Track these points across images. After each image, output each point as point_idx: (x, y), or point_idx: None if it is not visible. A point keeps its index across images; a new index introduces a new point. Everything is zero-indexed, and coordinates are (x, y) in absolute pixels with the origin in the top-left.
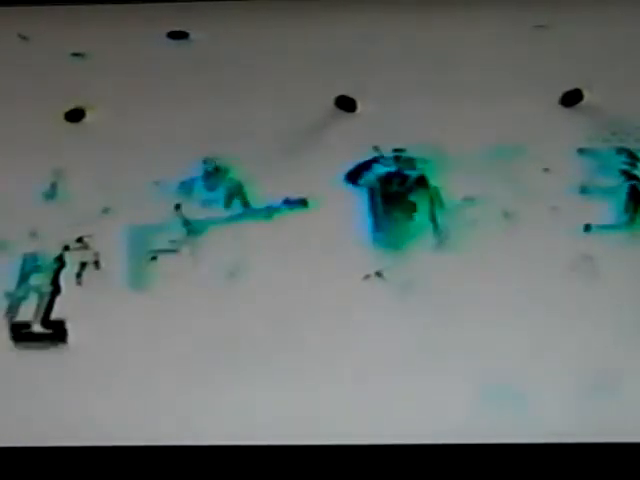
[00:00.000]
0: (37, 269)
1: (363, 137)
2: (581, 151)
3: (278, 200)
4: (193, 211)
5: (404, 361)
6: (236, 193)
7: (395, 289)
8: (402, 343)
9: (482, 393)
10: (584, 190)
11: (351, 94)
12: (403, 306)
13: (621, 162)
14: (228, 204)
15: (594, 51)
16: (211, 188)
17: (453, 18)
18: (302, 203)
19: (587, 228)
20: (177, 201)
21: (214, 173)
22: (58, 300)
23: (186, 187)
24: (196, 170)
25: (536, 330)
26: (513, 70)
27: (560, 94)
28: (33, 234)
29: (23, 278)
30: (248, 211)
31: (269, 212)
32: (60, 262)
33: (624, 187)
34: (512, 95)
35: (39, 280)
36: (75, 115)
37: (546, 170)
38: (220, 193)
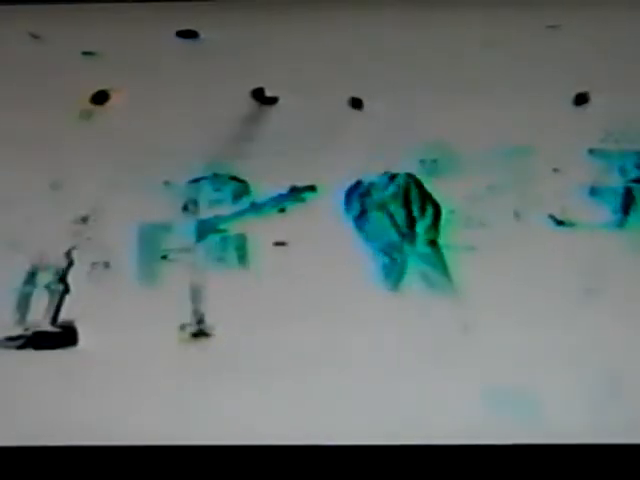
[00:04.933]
0: (46, 268)
1: (372, 136)
2: (592, 152)
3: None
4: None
5: (411, 362)
6: (244, 192)
7: (402, 290)
8: (410, 344)
9: (491, 395)
10: (594, 191)
11: (366, 93)
12: (410, 306)
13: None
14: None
15: (607, 51)
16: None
17: (465, 18)
18: (311, 189)
19: (596, 228)
20: (186, 200)
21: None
22: (68, 300)
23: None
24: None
25: (545, 331)
26: (525, 70)
27: (572, 94)
28: (42, 233)
29: (31, 276)
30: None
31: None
32: (69, 260)
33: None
34: (523, 95)
35: (48, 279)
36: (100, 98)
37: (556, 170)
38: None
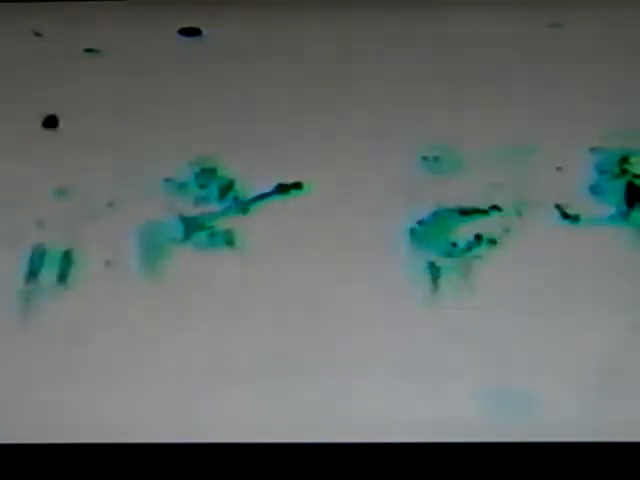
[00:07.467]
0: (46, 265)
1: (371, 134)
2: (593, 150)
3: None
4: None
5: (412, 359)
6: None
7: (403, 288)
8: (410, 342)
9: (491, 393)
10: (595, 188)
11: (365, 92)
12: (412, 305)
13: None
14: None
15: (609, 49)
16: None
17: (468, 17)
18: (297, 186)
19: (598, 225)
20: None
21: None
22: (70, 298)
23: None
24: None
25: (547, 329)
26: (526, 68)
27: (572, 92)
28: (43, 230)
29: (31, 273)
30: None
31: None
32: (69, 259)
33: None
34: (525, 93)
35: (48, 277)
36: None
37: (559, 169)
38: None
